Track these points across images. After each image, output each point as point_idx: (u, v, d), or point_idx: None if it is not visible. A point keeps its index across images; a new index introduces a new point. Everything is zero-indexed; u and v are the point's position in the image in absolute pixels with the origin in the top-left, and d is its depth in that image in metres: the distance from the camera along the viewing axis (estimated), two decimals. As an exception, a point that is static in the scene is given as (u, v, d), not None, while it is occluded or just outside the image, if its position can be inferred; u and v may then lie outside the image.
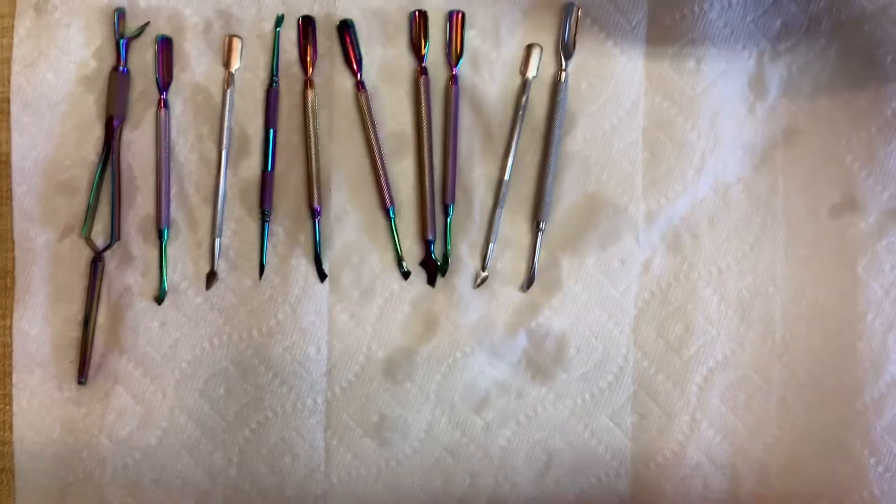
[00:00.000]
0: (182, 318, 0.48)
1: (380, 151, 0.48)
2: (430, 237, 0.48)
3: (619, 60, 0.49)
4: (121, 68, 0.47)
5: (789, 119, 0.49)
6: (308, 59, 0.48)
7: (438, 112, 0.49)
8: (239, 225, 0.49)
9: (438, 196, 0.49)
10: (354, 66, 0.48)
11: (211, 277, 0.48)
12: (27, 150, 0.48)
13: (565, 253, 0.49)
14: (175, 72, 0.48)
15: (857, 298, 0.49)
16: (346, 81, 0.49)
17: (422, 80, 0.48)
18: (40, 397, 0.48)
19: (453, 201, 0.49)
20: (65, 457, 0.48)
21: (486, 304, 0.49)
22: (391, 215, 0.48)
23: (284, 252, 0.49)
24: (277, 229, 0.49)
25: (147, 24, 0.48)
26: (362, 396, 0.49)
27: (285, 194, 0.49)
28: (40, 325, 0.48)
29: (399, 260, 0.49)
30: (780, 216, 0.49)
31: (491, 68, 0.49)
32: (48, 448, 0.48)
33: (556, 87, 0.48)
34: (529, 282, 0.49)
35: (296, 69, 0.49)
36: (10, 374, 0.48)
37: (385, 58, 0.49)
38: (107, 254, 0.48)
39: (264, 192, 0.48)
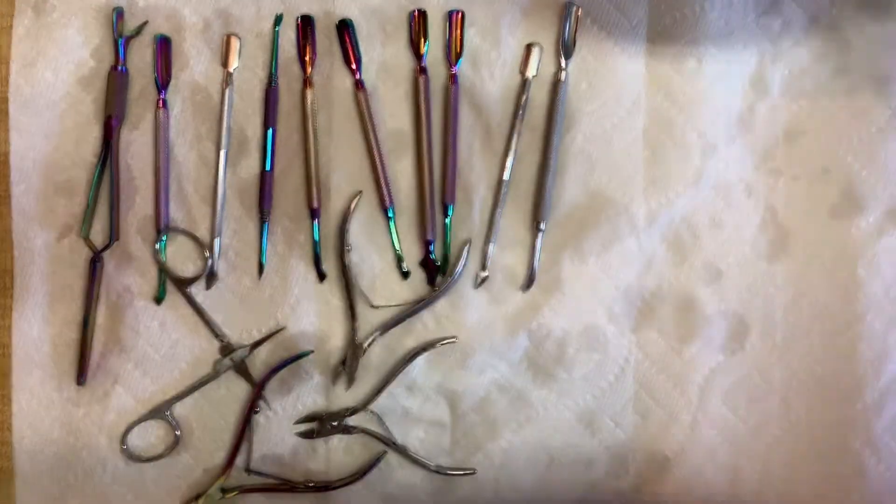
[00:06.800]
0: (182, 318, 0.48)
1: (379, 151, 0.48)
2: (429, 237, 0.48)
3: (620, 60, 0.49)
4: (119, 68, 0.47)
5: (790, 119, 0.49)
6: (307, 58, 0.48)
7: (438, 111, 0.49)
8: (238, 225, 0.48)
9: (438, 196, 0.49)
10: (353, 66, 0.48)
11: (211, 277, 0.48)
12: (25, 150, 0.48)
13: (566, 253, 0.49)
14: (174, 71, 0.48)
15: (857, 298, 0.49)
16: (345, 81, 0.49)
17: (421, 79, 0.48)
18: (40, 397, 0.48)
19: (453, 201, 0.49)
20: (65, 457, 0.48)
21: (487, 304, 0.49)
22: (391, 215, 0.48)
23: (284, 252, 0.48)
24: (277, 229, 0.48)
25: (145, 23, 0.48)
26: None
27: (285, 194, 0.48)
28: (39, 326, 0.48)
29: (399, 260, 0.49)
30: (781, 216, 0.49)
31: (491, 67, 0.49)
32: (48, 448, 0.48)
33: (556, 87, 0.48)
34: (530, 282, 0.49)
35: (295, 68, 0.48)
36: (10, 374, 0.48)
37: (384, 57, 0.49)
38: (106, 254, 0.48)
39: (263, 191, 0.48)
